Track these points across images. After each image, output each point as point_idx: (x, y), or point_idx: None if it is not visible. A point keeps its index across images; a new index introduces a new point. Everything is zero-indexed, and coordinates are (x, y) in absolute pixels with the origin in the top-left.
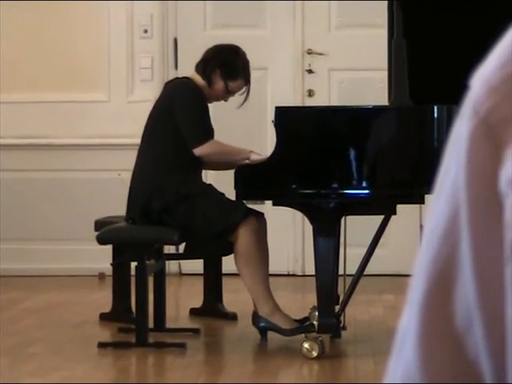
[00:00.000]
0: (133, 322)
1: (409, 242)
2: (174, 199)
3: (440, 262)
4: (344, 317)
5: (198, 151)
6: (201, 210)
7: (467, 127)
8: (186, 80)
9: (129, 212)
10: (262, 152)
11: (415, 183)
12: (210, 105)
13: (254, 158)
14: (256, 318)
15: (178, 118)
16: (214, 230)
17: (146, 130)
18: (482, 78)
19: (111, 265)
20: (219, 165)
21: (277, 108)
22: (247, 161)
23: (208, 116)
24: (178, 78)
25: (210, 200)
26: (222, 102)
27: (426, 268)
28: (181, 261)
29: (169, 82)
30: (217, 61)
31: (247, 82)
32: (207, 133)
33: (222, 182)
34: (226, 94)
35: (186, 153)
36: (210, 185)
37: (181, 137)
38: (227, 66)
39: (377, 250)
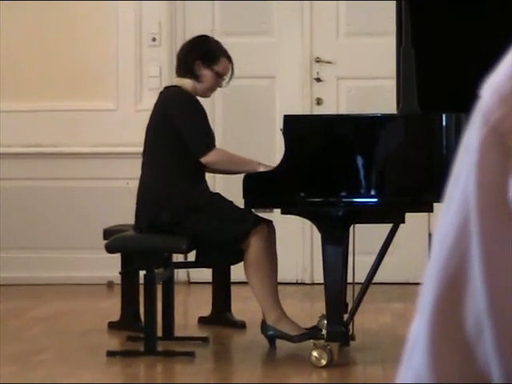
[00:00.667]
0: (141, 331)
1: (417, 250)
2: (183, 211)
3: (450, 269)
4: (353, 325)
5: (206, 159)
6: (211, 220)
7: (477, 136)
8: (177, 89)
9: (137, 224)
10: (270, 160)
11: (424, 191)
12: (218, 113)
13: (262, 170)
14: (264, 326)
15: (181, 129)
16: (227, 239)
17: (146, 144)
18: (493, 87)
19: (120, 273)
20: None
21: (285, 116)
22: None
23: (208, 122)
24: (168, 88)
25: (220, 209)
26: (232, 107)
27: (436, 275)
28: (189, 269)
29: (161, 93)
30: (192, 55)
31: (229, 59)
32: (212, 140)
33: (231, 190)
34: (217, 79)
35: (190, 163)
36: (217, 193)
37: (183, 148)
38: (204, 53)
39: (385, 259)
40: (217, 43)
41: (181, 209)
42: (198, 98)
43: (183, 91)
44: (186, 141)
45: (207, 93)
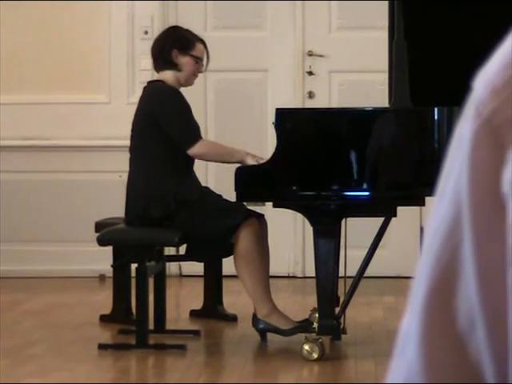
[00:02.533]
0: (133, 324)
1: (409, 243)
2: (173, 206)
3: (442, 263)
4: (344, 319)
5: (193, 151)
6: (201, 215)
7: (470, 128)
8: (160, 83)
9: (127, 219)
10: (262, 154)
11: (416, 185)
12: (210, 107)
13: (250, 162)
14: (255, 319)
15: (165, 124)
16: (216, 233)
17: (132, 141)
18: (486, 79)
19: (112, 266)
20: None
21: (277, 110)
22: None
23: (192, 115)
24: (150, 83)
25: (209, 203)
26: (224, 100)
27: (428, 269)
28: (181, 262)
29: (144, 88)
30: (167, 46)
31: (202, 42)
32: (197, 132)
33: (223, 183)
34: (196, 64)
35: (177, 158)
36: (206, 188)
37: (169, 143)
38: (177, 41)
39: (377, 252)
40: (187, 30)
41: (171, 205)
42: (183, 89)
43: (165, 86)
44: (172, 135)
45: (189, 80)
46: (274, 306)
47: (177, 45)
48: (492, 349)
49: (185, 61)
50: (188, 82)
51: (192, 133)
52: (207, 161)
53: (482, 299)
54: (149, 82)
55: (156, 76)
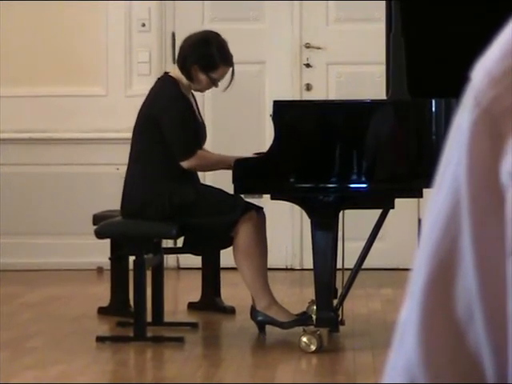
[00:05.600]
0: (131, 316)
1: (407, 235)
2: (169, 209)
3: (441, 253)
4: (342, 311)
5: (186, 164)
6: (199, 215)
7: (469, 118)
8: (170, 83)
9: (123, 213)
10: (260, 146)
11: (413, 177)
12: (208, 99)
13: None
14: (254, 312)
15: (165, 131)
16: (215, 229)
17: (133, 137)
18: (484, 69)
19: (109, 259)
20: None
21: (275, 102)
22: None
23: (192, 124)
24: (163, 79)
25: (207, 202)
26: (221, 92)
27: (426, 260)
28: (179, 255)
29: (156, 82)
30: (192, 57)
31: (229, 65)
32: (192, 145)
33: (220, 176)
34: (212, 83)
35: (174, 160)
36: (201, 185)
37: (167, 147)
38: (203, 59)
39: (375, 244)
40: (219, 47)
41: (166, 207)
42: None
43: (173, 89)
44: (169, 143)
45: (200, 91)
46: (273, 298)
47: (200, 62)
48: (491, 339)
49: (202, 78)
50: (198, 91)
51: (187, 146)
52: (201, 171)
53: (481, 290)
54: (162, 76)
55: (171, 69)
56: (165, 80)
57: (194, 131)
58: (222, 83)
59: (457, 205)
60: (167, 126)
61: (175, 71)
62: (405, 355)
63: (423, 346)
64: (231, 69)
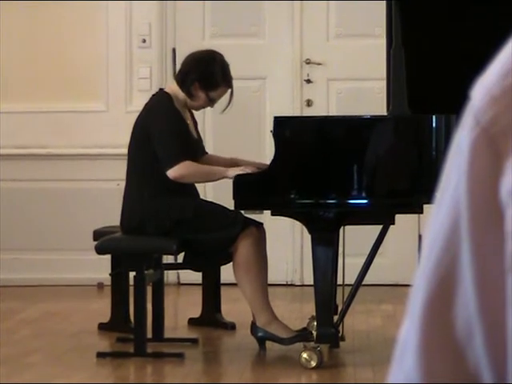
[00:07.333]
0: (131, 332)
1: (407, 251)
2: (169, 225)
3: (441, 271)
4: (342, 327)
5: (171, 173)
6: (198, 231)
7: (469, 137)
8: (164, 98)
9: (122, 229)
10: (261, 162)
11: (414, 193)
12: (207, 116)
13: (232, 173)
14: (254, 328)
15: (154, 143)
16: (215, 245)
17: (129, 153)
18: (484, 87)
19: (110, 275)
20: None
21: (275, 118)
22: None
23: (183, 137)
24: (157, 95)
25: (207, 218)
26: (222, 108)
27: (426, 277)
28: (179, 271)
29: (150, 98)
30: (194, 74)
31: (229, 86)
32: (179, 154)
33: (221, 191)
34: (209, 102)
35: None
36: (201, 200)
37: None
38: (205, 78)
39: (375, 260)
40: (222, 67)
41: (166, 223)
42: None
43: (166, 104)
44: (158, 154)
45: (195, 109)
46: (274, 314)
47: (202, 80)
48: (490, 357)
49: (200, 95)
50: (193, 109)
51: (172, 155)
52: (189, 182)
53: (481, 307)
54: (157, 92)
55: (168, 85)
56: (159, 95)
57: (185, 144)
58: (220, 104)
59: (456, 223)
60: (156, 137)
61: (171, 87)
62: (404, 372)
63: (423, 364)
64: (230, 91)
